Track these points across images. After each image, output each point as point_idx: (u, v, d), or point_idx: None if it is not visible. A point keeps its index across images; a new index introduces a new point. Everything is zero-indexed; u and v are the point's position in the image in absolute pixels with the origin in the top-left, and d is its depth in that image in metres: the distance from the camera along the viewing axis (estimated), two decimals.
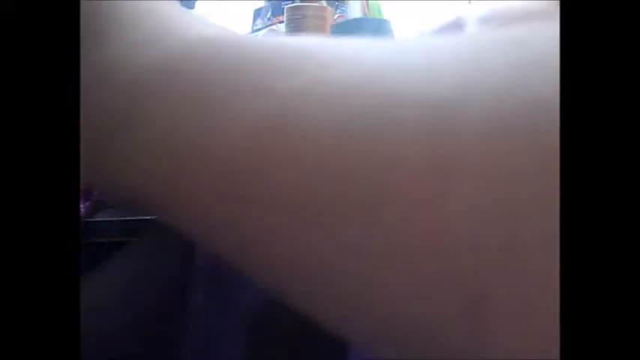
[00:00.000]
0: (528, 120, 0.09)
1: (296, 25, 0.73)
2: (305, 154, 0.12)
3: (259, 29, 0.95)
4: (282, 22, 0.81)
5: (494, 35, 0.12)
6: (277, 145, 0.12)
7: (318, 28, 0.71)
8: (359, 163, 0.11)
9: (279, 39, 0.15)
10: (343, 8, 0.86)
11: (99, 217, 0.33)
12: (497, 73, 0.10)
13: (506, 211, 0.09)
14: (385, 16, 0.86)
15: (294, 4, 0.78)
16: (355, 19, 0.73)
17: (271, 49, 0.14)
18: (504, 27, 0.12)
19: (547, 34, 0.11)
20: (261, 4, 0.99)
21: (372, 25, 0.70)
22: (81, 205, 0.33)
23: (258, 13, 0.99)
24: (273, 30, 0.89)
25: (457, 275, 0.10)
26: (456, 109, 0.10)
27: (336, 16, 0.82)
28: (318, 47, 0.14)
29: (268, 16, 0.95)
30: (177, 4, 0.20)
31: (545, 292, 0.09)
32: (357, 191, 0.11)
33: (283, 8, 0.80)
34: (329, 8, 0.78)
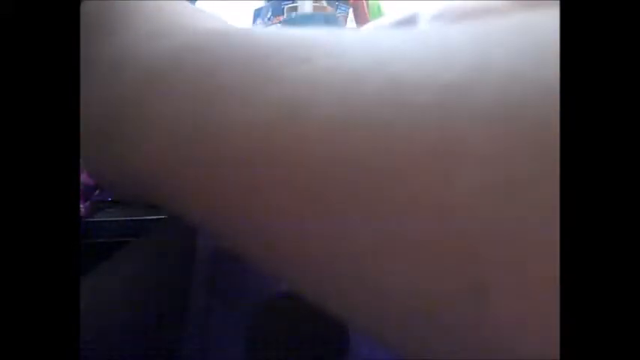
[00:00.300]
0: (535, 104, 0.09)
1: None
2: (314, 140, 0.12)
3: None
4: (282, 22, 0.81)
5: (499, 23, 0.12)
6: (286, 131, 0.12)
7: None
8: (368, 148, 0.11)
9: (287, 30, 0.15)
10: (343, 8, 0.86)
11: (99, 217, 0.33)
12: (503, 59, 0.10)
13: (511, 194, 0.09)
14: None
15: (294, 4, 0.78)
16: (304, 15, 0.74)
17: (279, 39, 0.15)
18: (461, 22, 0.12)
19: (549, 20, 0.11)
20: (261, 4, 0.99)
21: (320, 20, 0.72)
22: (81, 205, 0.33)
23: (258, 13, 0.99)
24: None
25: (460, 261, 0.10)
26: (465, 94, 0.10)
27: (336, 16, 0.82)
28: (325, 36, 0.14)
29: (268, 16, 0.95)
30: (187, 3, 0.20)
31: (547, 280, 0.09)
32: (366, 176, 0.11)
33: (283, 8, 0.80)
34: (329, 8, 0.78)
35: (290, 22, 0.73)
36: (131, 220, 0.33)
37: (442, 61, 0.11)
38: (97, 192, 0.35)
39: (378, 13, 0.85)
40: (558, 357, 0.09)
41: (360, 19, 0.83)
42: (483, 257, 0.09)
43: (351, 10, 0.86)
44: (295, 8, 0.76)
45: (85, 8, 0.19)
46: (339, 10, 0.85)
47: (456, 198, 0.10)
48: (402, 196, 0.10)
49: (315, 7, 0.75)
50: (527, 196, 0.09)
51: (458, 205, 0.10)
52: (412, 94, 0.11)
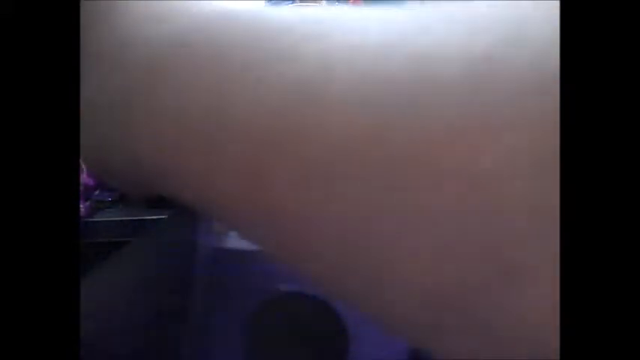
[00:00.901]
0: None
1: None
2: (333, 118, 0.11)
3: None
4: None
5: None
6: (302, 109, 0.12)
7: None
8: (392, 126, 0.10)
9: (302, 9, 0.15)
10: None
11: (99, 217, 0.33)
12: (539, 29, 0.10)
13: (545, 171, 0.09)
14: None
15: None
16: None
17: (294, 17, 0.14)
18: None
19: None
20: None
21: None
22: (81, 205, 0.33)
23: None
24: None
25: (489, 239, 0.09)
26: (496, 66, 0.10)
27: None
28: (344, 13, 0.14)
29: None
30: None
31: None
32: (388, 155, 0.10)
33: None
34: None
35: None
36: (131, 220, 0.33)
37: (470, 34, 0.11)
38: (97, 192, 0.35)
39: None
40: (558, 357, 0.09)
41: None
42: (512, 236, 0.09)
43: None
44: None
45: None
46: None
47: (485, 173, 0.09)
48: (428, 172, 0.10)
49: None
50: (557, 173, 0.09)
51: (487, 181, 0.09)
52: (439, 68, 0.10)
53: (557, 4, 0.10)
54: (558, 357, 0.09)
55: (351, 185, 0.11)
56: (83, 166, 0.26)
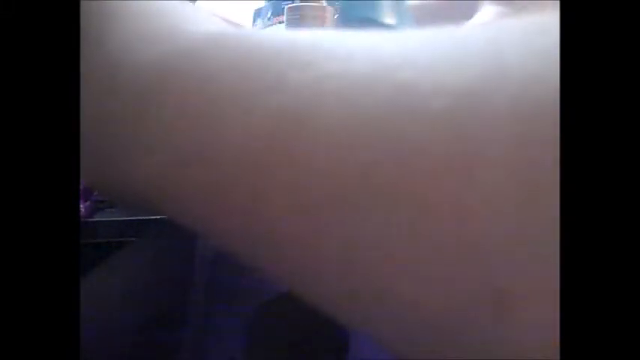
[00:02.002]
0: (554, 106, 0.09)
1: (296, 25, 0.73)
2: (321, 149, 0.11)
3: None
4: (283, 22, 0.81)
5: (514, 23, 0.11)
6: (291, 140, 0.12)
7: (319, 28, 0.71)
8: (380, 159, 0.11)
9: (287, 32, 0.15)
10: None
11: (99, 217, 0.33)
12: (520, 60, 0.10)
13: (531, 202, 0.09)
14: None
15: (294, 4, 0.78)
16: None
17: (280, 43, 0.14)
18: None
19: None
20: (262, 4, 0.99)
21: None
22: (81, 205, 0.33)
23: (258, 13, 0.99)
24: None
25: (479, 270, 0.09)
26: (479, 99, 0.10)
27: (335, 16, 0.82)
28: (330, 40, 0.14)
29: (268, 16, 0.95)
30: (176, 2, 0.19)
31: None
32: (377, 186, 0.10)
33: (283, 8, 0.80)
34: (329, 8, 0.78)
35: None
36: (131, 220, 0.33)
37: (454, 66, 0.11)
38: (97, 192, 0.35)
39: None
40: (559, 357, 0.09)
41: None
42: (505, 264, 0.09)
43: None
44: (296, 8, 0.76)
45: None
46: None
47: (473, 206, 0.09)
48: (416, 205, 0.10)
49: (314, 7, 0.75)
50: (549, 200, 0.09)
51: (475, 213, 0.09)
52: (424, 101, 0.10)
53: (543, 34, 0.10)
54: None
55: (345, 214, 0.11)
56: None
